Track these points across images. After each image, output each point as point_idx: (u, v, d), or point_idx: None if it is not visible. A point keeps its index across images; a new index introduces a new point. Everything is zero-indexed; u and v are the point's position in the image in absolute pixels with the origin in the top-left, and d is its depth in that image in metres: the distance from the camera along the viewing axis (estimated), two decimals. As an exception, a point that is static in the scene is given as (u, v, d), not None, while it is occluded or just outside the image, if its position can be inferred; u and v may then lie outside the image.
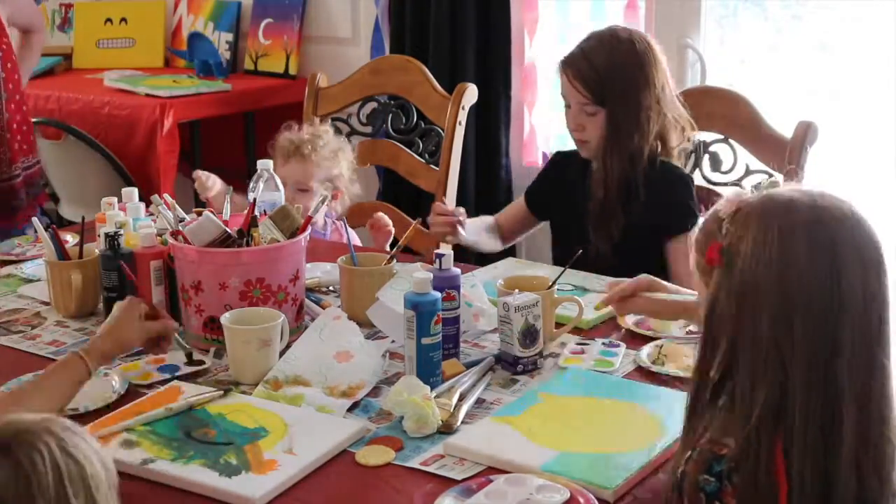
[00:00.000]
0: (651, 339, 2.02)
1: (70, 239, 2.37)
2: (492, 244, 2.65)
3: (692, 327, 2.09)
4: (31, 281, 2.38)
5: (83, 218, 2.25)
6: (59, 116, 3.80)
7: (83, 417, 1.72)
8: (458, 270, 1.97)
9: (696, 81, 3.35)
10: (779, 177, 2.48)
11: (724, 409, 1.36)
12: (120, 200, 2.36)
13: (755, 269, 1.33)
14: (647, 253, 2.37)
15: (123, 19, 4.38)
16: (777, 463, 1.29)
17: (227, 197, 2.25)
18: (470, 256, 2.78)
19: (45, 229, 2.22)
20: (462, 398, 1.79)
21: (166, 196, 2.17)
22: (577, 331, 2.06)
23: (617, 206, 2.39)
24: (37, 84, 4.06)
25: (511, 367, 1.92)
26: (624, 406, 1.76)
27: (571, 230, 2.48)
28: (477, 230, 2.58)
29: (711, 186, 2.60)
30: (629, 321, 2.07)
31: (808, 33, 3.38)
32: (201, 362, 1.95)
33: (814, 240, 1.32)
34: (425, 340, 1.82)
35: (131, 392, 1.85)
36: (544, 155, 3.68)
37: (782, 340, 1.31)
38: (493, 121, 3.59)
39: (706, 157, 2.60)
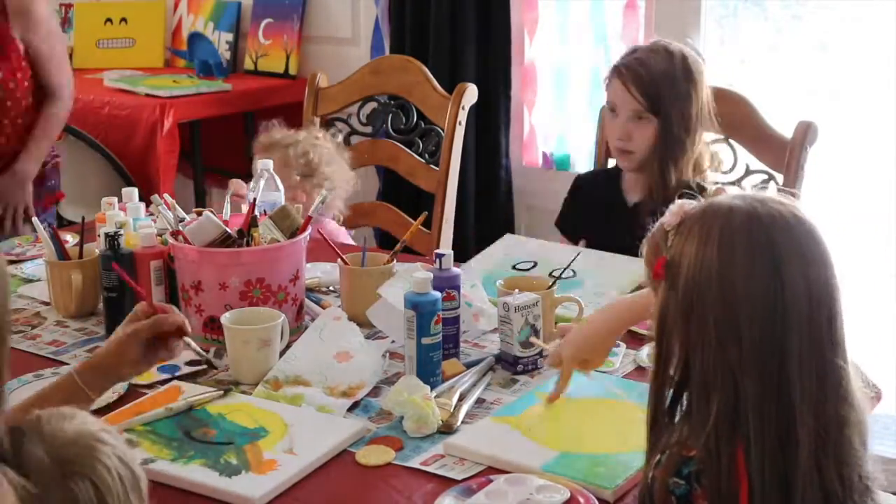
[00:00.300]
0: (651, 338, 2.02)
1: (70, 239, 2.37)
2: None
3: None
4: (31, 281, 2.38)
5: (83, 218, 2.25)
6: (60, 116, 3.79)
7: (83, 417, 1.71)
8: (458, 270, 1.97)
9: (696, 81, 3.34)
10: (779, 177, 2.50)
11: (686, 414, 1.35)
12: (120, 200, 2.36)
13: (698, 279, 1.32)
14: None
15: (123, 19, 4.38)
16: (738, 467, 1.28)
17: (227, 197, 2.25)
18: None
19: (45, 229, 2.22)
20: (462, 398, 1.79)
21: (166, 196, 2.17)
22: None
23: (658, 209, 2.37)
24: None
25: (511, 367, 1.92)
26: (624, 406, 1.76)
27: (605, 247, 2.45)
28: None
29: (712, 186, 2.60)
30: None
31: (808, 33, 3.38)
32: (213, 366, 1.92)
33: (753, 244, 1.30)
34: (425, 340, 1.83)
35: (131, 392, 1.85)
36: (544, 155, 3.68)
37: (730, 348, 1.30)
38: (493, 121, 3.59)
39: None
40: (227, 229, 2.03)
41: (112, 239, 2.09)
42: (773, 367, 1.29)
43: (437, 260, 1.96)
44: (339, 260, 2.15)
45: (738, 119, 2.54)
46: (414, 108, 3.03)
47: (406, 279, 1.96)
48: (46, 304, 2.25)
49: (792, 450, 1.29)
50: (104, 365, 1.67)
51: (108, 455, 1.18)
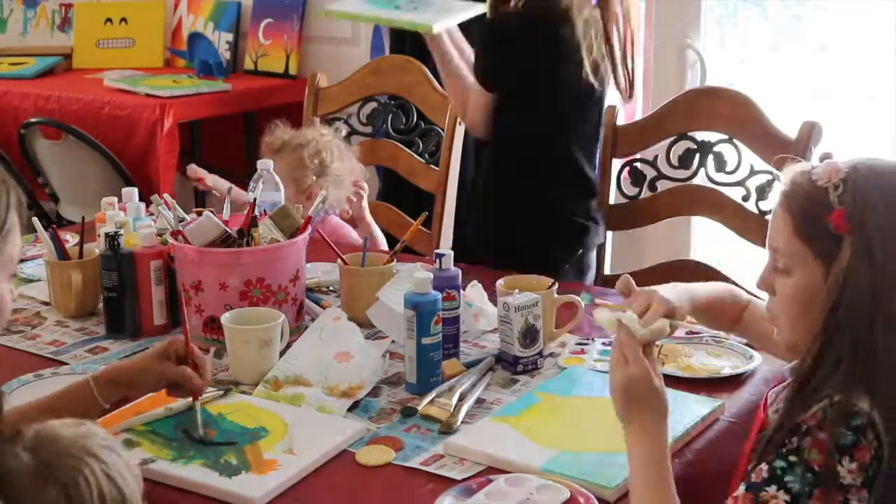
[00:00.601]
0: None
1: (70, 239, 2.37)
2: None
3: (695, 327, 2.08)
4: (31, 281, 2.38)
5: (83, 218, 2.25)
6: (59, 116, 3.80)
7: (83, 417, 1.71)
8: (458, 270, 1.97)
9: (696, 82, 3.35)
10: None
11: (845, 365, 1.36)
12: (120, 200, 2.36)
13: (892, 225, 1.37)
14: None
15: (123, 19, 4.38)
16: None
17: (227, 197, 2.25)
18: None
19: (45, 229, 2.22)
20: (462, 398, 1.79)
21: (166, 196, 2.16)
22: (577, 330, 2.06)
23: None
24: (37, 84, 4.07)
25: (511, 367, 1.92)
26: (624, 406, 1.76)
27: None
28: None
29: (716, 187, 2.60)
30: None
31: (808, 33, 3.38)
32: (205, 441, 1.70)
33: None
34: (425, 340, 1.83)
35: (131, 392, 1.84)
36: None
37: None
38: (493, 121, 3.58)
39: (710, 157, 2.60)
40: (227, 229, 2.03)
41: (112, 239, 2.09)
42: None
43: (437, 260, 1.96)
44: (339, 260, 2.15)
45: (743, 119, 2.54)
46: (414, 108, 3.03)
47: (405, 281, 1.96)
48: (46, 304, 2.24)
49: None
50: (122, 382, 1.71)
51: (94, 470, 1.19)
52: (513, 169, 2.52)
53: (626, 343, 1.51)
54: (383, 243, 2.77)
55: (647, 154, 2.72)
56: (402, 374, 1.88)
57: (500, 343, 1.96)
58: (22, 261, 2.50)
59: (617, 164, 2.71)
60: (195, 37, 4.27)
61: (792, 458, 1.33)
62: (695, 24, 3.33)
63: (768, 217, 2.47)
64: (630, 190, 2.69)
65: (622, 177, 2.73)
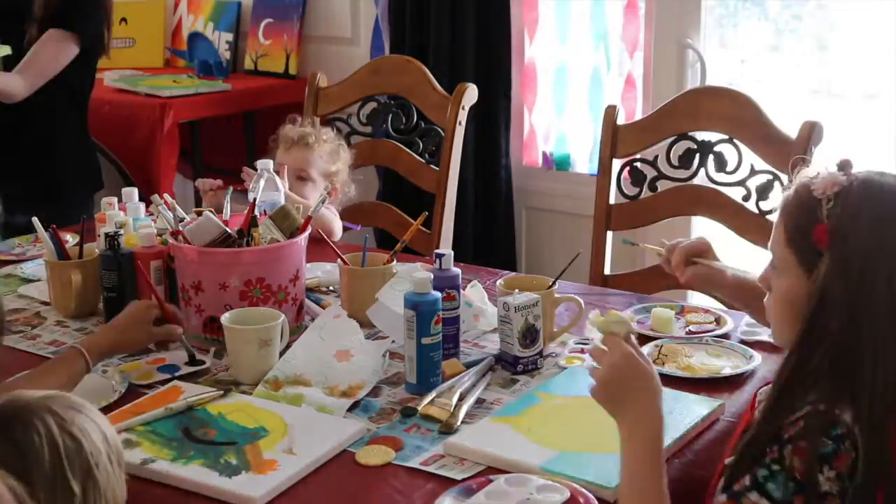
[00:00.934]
0: (651, 338, 2.02)
1: (70, 239, 2.37)
2: None
3: (693, 327, 2.09)
4: (31, 281, 2.38)
5: (83, 218, 2.25)
6: (60, 116, 3.79)
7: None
8: (458, 270, 1.97)
9: (696, 81, 3.35)
10: (784, 177, 2.49)
11: (833, 378, 1.37)
12: (120, 200, 2.36)
13: (871, 249, 1.36)
14: None
15: (123, 19, 4.38)
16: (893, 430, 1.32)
17: (227, 197, 2.25)
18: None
19: (45, 229, 2.22)
20: (462, 398, 1.79)
21: (166, 196, 2.17)
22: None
23: None
24: (37, 84, 4.06)
25: (511, 367, 1.92)
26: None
27: None
28: None
29: (717, 187, 2.60)
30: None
31: (808, 33, 3.38)
32: (202, 362, 1.95)
33: None
34: (425, 340, 1.83)
35: (131, 392, 1.85)
36: (544, 155, 3.68)
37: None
38: (493, 121, 3.59)
39: (711, 157, 2.60)
40: (227, 229, 2.03)
41: (112, 239, 2.09)
42: None
43: (437, 260, 1.96)
44: (339, 260, 2.15)
45: (743, 119, 2.54)
46: (414, 108, 3.03)
47: (405, 281, 1.96)
48: (46, 304, 2.24)
49: None
50: (113, 353, 1.91)
51: (48, 423, 1.20)
52: None
53: (606, 339, 1.49)
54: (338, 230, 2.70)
55: (647, 154, 2.72)
56: (402, 374, 1.88)
57: (500, 343, 1.96)
58: (22, 261, 2.51)
59: (617, 164, 2.71)
60: (195, 37, 4.27)
61: (774, 467, 1.34)
62: (695, 24, 3.33)
63: (768, 217, 2.49)
64: (630, 190, 2.69)
65: (622, 177, 2.72)
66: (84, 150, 3.31)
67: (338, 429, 1.70)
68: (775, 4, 3.41)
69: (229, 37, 4.23)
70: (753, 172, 2.55)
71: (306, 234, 2.08)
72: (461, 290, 1.97)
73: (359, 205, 2.98)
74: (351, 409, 1.79)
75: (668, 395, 1.78)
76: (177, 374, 1.91)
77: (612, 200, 2.70)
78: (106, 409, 1.76)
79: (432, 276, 1.87)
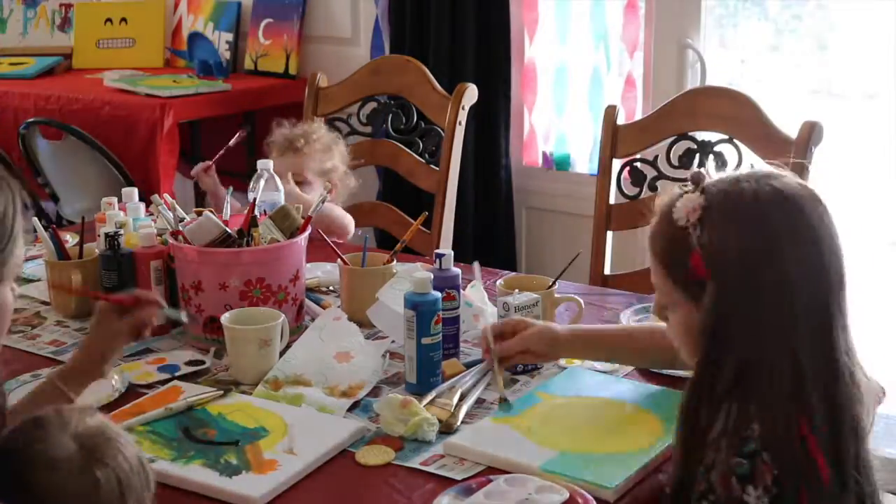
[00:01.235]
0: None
1: (70, 239, 2.37)
2: None
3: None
4: (31, 281, 2.38)
5: (83, 218, 2.25)
6: (59, 116, 3.79)
7: (83, 417, 1.71)
8: (458, 270, 1.97)
9: (696, 81, 3.35)
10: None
11: (740, 398, 1.37)
12: (120, 200, 2.36)
13: (748, 264, 1.36)
14: None
15: (123, 19, 4.38)
16: (807, 438, 1.33)
17: (227, 197, 2.25)
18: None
19: (45, 229, 2.22)
20: (462, 398, 1.79)
21: (166, 196, 2.17)
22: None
23: None
24: (37, 84, 4.07)
25: (511, 367, 1.92)
26: (624, 406, 1.76)
27: None
28: None
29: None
30: None
31: (808, 33, 3.38)
32: (188, 319, 1.97)
33: (790, 220, 1.38)
34: (425, 340, 1.83)
35: (131, 392, 1.85)
36: (544, 155, 3.68)
37: (789, 326, 1.35)
38: (493, 121, 3.59)
39: (710, 157, 2.60)
40: (227, 229, 2.03)
41: (112, 239, 2.09)
42: (823, 338, 1.36)
43: (437, 260, 1.96)
44: (339, 260, 2.15)
45: (743, 119, 2.54)
46: (414, 108, 3.03)
47: (405, 281, 1.96)
48: (46, 304, 2.24)
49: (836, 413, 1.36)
50: (90, 370, 1.70)
51: (124, 449, 1.27)
52: None
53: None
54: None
55: (648, 154, 2.72)
56: (402, 374, 1.88)
57: (500, 343, 1.95)
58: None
59: (617, 164, 2.71)
60: (195, 37, 4.27)
61: (709, 499, 1.36)
62: (695, 24, 3.33)
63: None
64: (630, 190, 2.69)
65: (622, 177, 2.72)
66: None
67: (338, 429, 1.70)
68: (775, 4, 3.41)
69: (229, 37, 4.23)
70: (754, 172, 2.55)
71: (306, 234, 2.08)
72: (461, 290, 1.97)
73: (359, 205, 2.98)
74: (351, 409, 1.79)
75: (669, 394, 1.78)
76: (177, 374, 1.91)
77: (612, 200, 2.70)
78: (106, 409, 1.76)
79: (432, 276, 1.87)
